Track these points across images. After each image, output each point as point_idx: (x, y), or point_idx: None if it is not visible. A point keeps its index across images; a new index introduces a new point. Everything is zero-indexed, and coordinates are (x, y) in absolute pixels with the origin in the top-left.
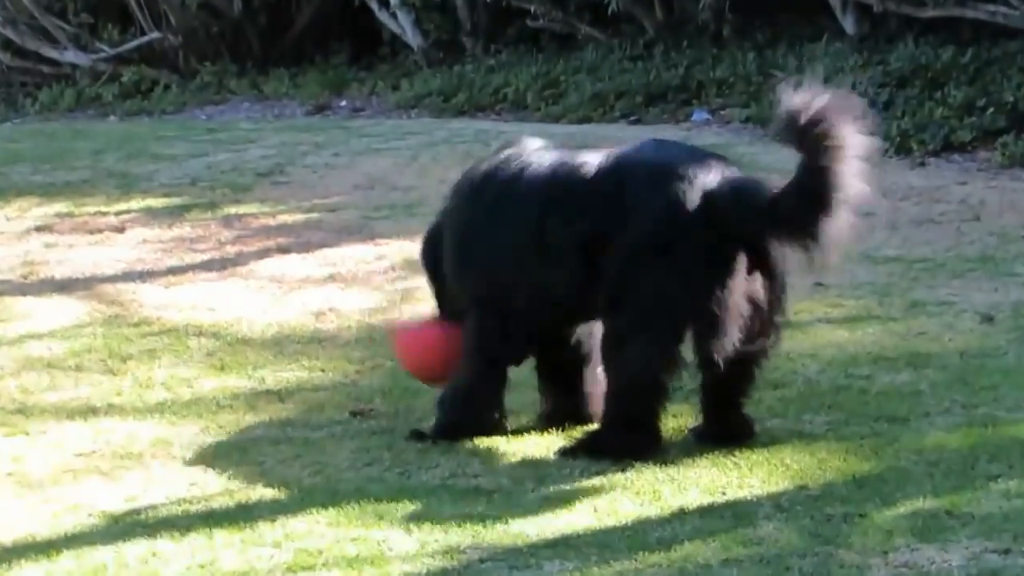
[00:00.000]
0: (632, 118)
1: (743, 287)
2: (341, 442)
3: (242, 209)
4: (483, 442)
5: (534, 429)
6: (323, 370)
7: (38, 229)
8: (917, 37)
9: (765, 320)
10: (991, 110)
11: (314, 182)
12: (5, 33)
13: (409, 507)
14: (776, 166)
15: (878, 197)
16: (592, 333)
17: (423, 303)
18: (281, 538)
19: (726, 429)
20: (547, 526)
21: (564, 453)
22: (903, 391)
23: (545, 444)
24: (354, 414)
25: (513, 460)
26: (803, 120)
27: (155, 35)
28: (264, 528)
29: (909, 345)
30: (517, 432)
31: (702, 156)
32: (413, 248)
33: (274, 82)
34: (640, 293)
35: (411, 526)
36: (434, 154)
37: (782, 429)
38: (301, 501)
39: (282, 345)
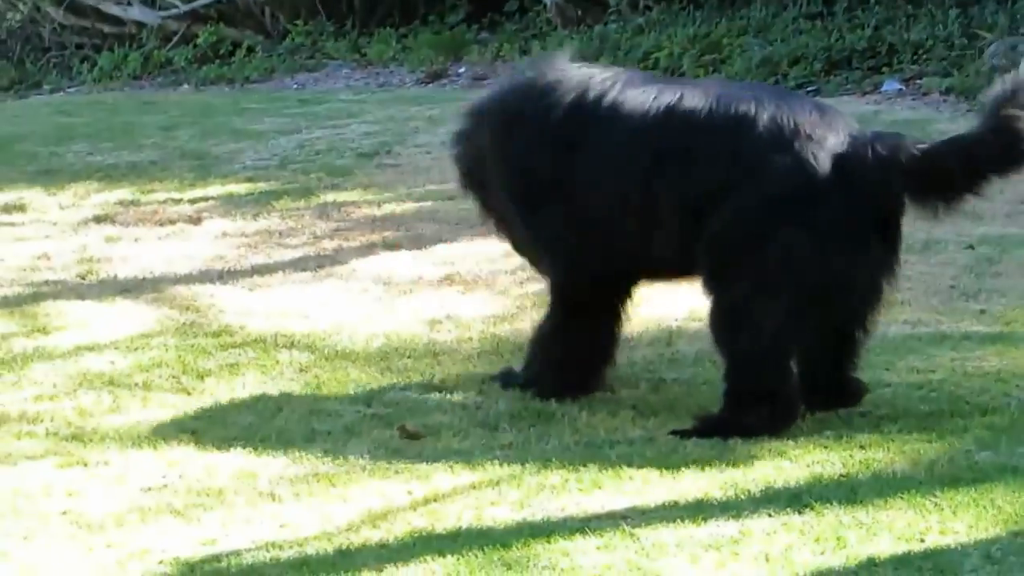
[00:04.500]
0: (810, 88)
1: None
2: (460, 475)
3: (341, 197)
4: (624, 464)
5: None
6: (439, 390)
7: (98, 220)
8: None
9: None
10: None
11: (428, 165)
12: None
13: (538, 551)
14: None
15: None
16: None
17: None
18: None
19: (834, 394)
20: None
21: (678, 433)
22: None
23: (695, 474)
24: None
25: (661, 489)
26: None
27: None
28: None
29: None
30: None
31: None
32: None
33: (379, 45)
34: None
35: (542, 573)
36: None
37: (992, 464)
38: (412, 547)
39: (389, 360)
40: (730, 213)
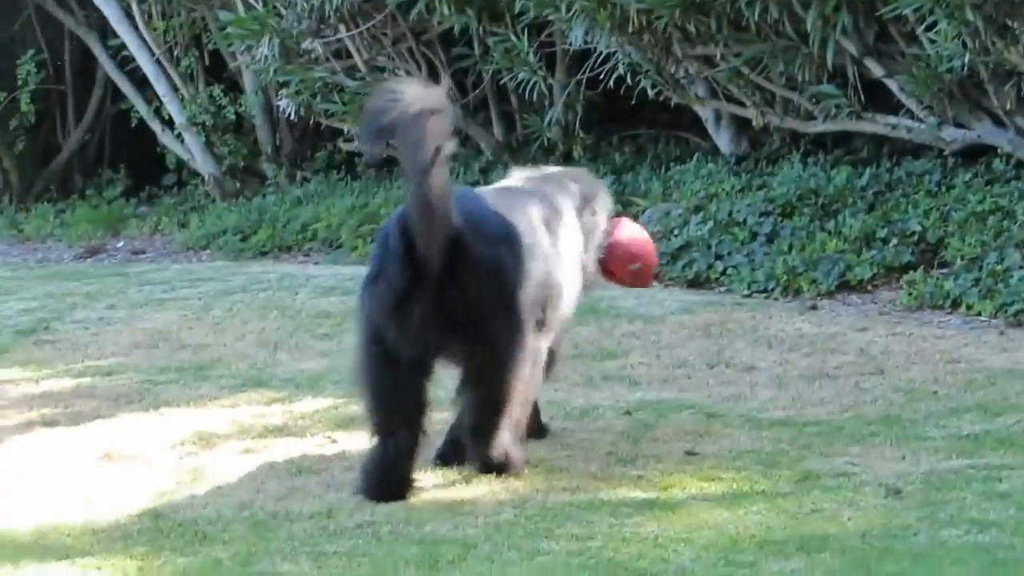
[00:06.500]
0: None
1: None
2: None
3: None
4: None
5: None
6: (99, 568)
7: None
8: (805, 156)
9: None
10: (894, 242)
11: (86, 341)
12: None
13: None
14: (639, 312)
15: (761, 348)
16: None
17: (219, 483)
18: None
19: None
20: None
21: None
22: None
23: None
24: None
25: None
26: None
27: None
28: None
29: (800, 525)
30: None
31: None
32: (205, 417)
33: (37, 220)
34: None
35: None
36: (230, 304)
37: None
38: None
39: (47, 540)
40: None
